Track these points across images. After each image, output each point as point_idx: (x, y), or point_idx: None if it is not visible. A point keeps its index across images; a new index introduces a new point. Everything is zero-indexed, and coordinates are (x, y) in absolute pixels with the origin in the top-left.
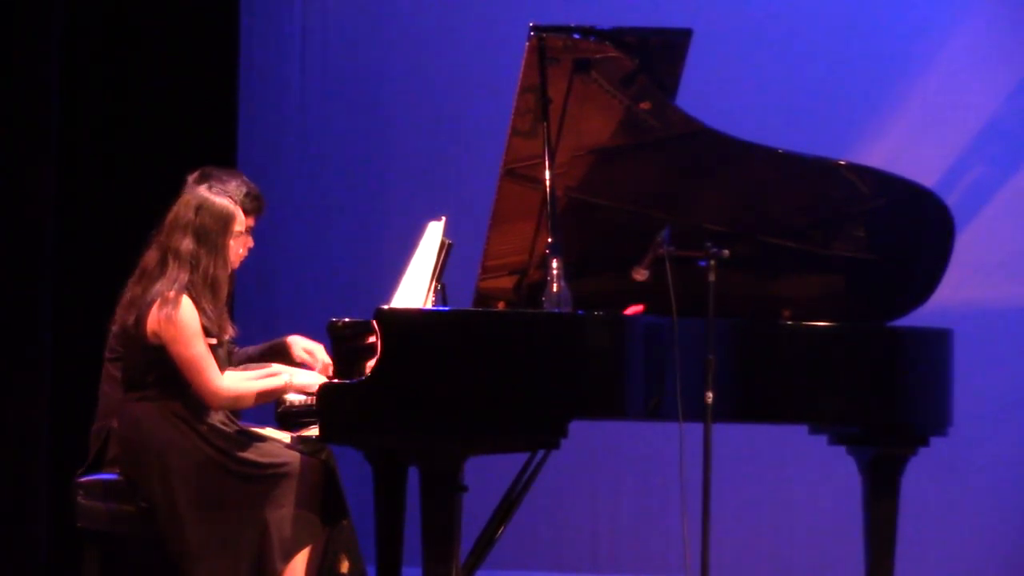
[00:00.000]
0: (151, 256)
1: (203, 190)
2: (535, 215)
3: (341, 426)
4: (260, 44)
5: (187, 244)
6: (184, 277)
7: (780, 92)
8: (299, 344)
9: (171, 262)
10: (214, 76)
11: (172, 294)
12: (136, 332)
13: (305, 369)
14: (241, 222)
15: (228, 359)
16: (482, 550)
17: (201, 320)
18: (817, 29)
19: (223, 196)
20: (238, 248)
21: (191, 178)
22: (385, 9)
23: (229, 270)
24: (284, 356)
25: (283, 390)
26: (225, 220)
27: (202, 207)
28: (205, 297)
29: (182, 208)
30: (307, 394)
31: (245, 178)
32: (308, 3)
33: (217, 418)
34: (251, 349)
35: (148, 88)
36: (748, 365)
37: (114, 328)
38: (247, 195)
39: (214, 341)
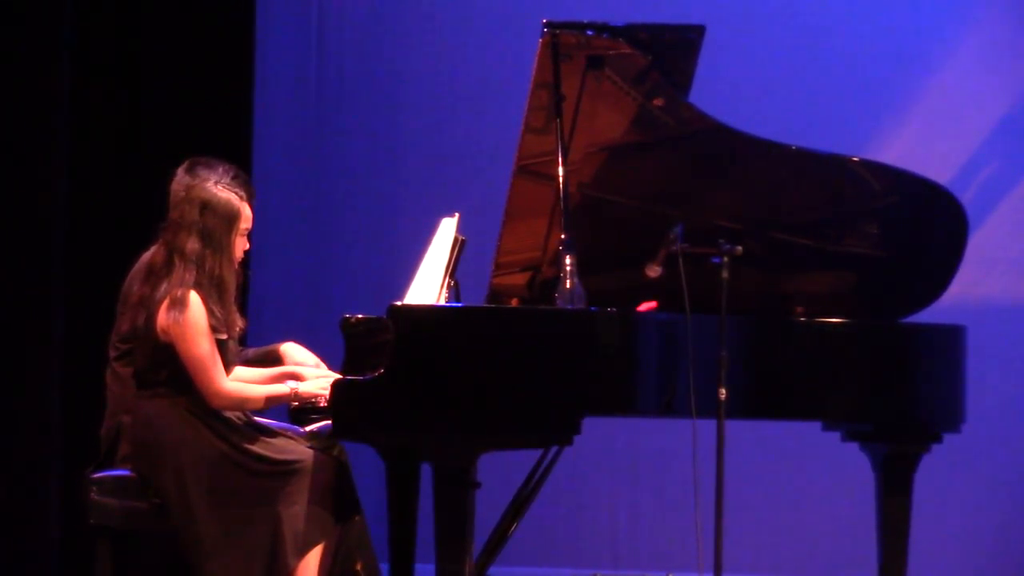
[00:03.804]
0: (159, 254)
1: (210, 185)
2: (548, 212)
3: (354, 423)
4: (275, 41)
5: (192, 244)
6: (191, 277)
7: (793, 89)
8: (292, 356)
9: (177, 262)
10: (229, 74)
11: (180, 293)
12: (146, 331)
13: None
14: (247, 218)
15: (237, 354)
16: (495, 547)
17: (208, 319)
18: (830, 26)
19: (227, 191)
20: (246, 246)
21: (180, 170)
22: (400, 6)
23: (235, 267)
24: (277, 363)
25: (288, 398)
26: (230, 219)
27: (207, 206)
28: (212, 297)
29: (187, 207)
30: (312, 403)
31: (230, 164)
32: (324, 2)
33: (230, 413)
34: (250, 352)
35: (161, 85)
36: (761, 362)
37: (123, 328)
38: (235, 179)
39: (223, 336)
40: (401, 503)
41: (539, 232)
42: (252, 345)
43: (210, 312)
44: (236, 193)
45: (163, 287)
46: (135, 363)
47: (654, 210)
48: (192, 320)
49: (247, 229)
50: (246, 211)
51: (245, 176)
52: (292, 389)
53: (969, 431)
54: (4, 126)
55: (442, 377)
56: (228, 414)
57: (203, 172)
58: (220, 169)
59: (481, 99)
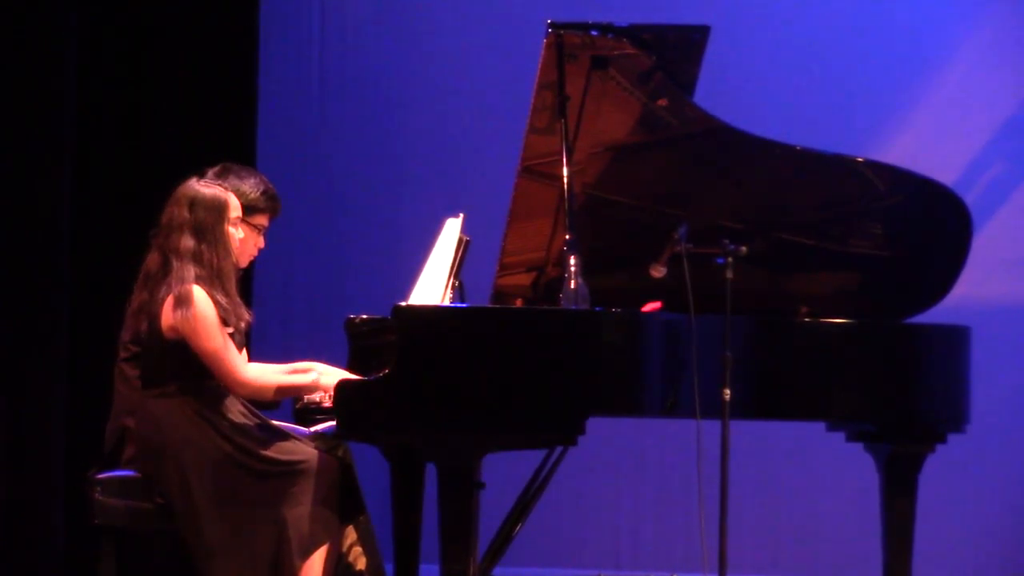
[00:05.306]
0: (153, 260)
1: (193, 183)
2: (552, 212)
3: (359, 423)
4: (279, 42)
5: (186, 242)
6: (190, 274)
7: (798, 89)
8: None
9: (174, 262)
10: (233, 75)
11: (184, 289)
12: (150, 335)
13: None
14: (236, 207)
15: (243, 346)
16: (499, 547)
17: (217, 311)
18: (835, 26)
19: (212, 186)
20: (239, 235)
21: (211, 171)
22: (403, 7)
23: (232, 257)
24: None
25: (311, 388)
26: (219, 209)
27: (195, 203)
28: (216, 289)
29: (176, 208)
30: (316, 403)
31: (263, 177)
32: (326, 2)
33: (236, 409)
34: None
35: (166, 87)
36: (765, 362)
37: (126, 337)
38: (263, 194)
39: (231, 329)
40: (405, 504)
41: (543, 232)
42: (256, 347)
43: (217, 303)
44: (221, 186)
45: (162, 289)
46: (142, 364)
47: (658, 210)
48: (201, 314)
49: (238, 218)
50: (233, 201)
51: (274, 190)
52: (314, 379)
53: (974, 431)
54: (10, 130)
55: (446, 377)
56: (234, 413)
57: (232, 180)
58: (251, 180)
59: (485, 100)
